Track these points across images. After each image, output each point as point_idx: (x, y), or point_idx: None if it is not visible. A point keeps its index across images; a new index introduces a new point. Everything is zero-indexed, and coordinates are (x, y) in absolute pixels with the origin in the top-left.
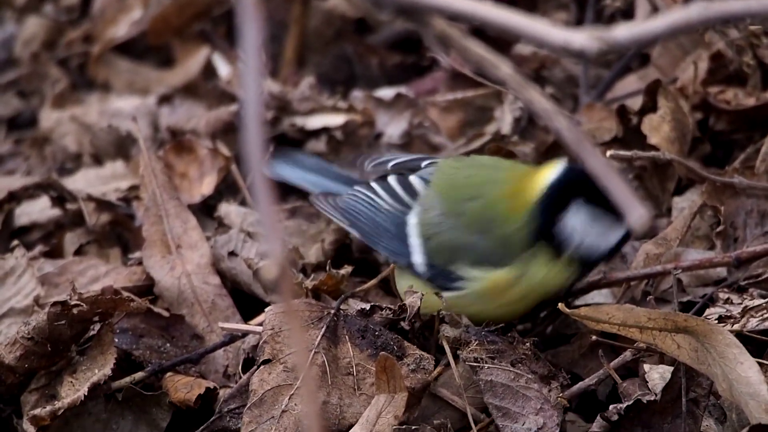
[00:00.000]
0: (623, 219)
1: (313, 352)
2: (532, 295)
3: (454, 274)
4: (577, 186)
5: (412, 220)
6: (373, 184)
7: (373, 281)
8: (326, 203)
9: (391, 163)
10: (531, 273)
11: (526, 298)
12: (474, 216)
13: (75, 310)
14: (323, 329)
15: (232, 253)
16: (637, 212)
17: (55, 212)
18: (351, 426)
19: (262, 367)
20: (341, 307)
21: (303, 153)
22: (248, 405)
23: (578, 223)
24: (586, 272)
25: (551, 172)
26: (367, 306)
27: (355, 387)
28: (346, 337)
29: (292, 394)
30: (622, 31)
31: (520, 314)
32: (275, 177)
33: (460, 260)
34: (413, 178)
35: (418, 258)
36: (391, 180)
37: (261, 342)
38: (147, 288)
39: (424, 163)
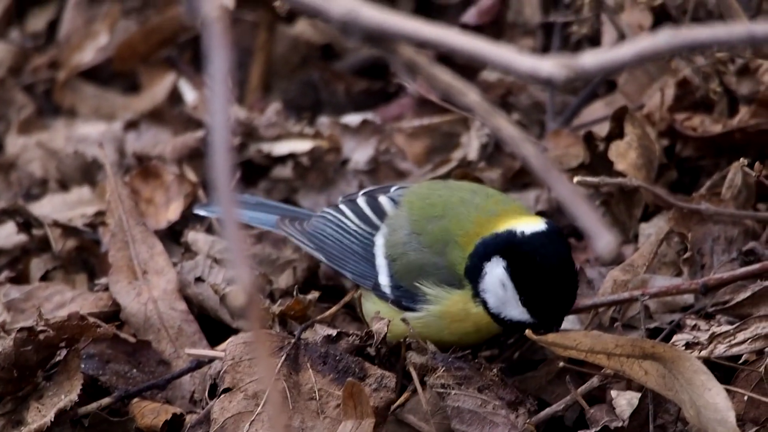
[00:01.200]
0: (538, 315)
1: (273, 379)
2: (482, 330)
3: (419, 293)
4: (514, 247)
5: (379, 241)
6: (342, 206)
7: (337, 307)
8: (292, 228)
9: (362, 191)
10: (471, 306)
11: (478, 332)
12: (435, 236)
13: (41, 336)
14: (283, 357)
15: (198, 279)
16: (603, 239)
17: (21, 238)
18: None
19: (222, 395)
20: (305, 333)
21: (245, 195)
22: None
23: (489, 275)
24: (509, 330)
25: (524, 222)
26: (334, 332)
27: (319, 411)
28: (308, 364)
29: (253, 420)
30: (590, 59)
31: (473, 344)
32: (211, 215)
33: (424, 279)
34: (383, 199)
35: (384, 279)
36: (360, 201)
37: (221, 372)
38: (113, 314)
39: (393, 188)
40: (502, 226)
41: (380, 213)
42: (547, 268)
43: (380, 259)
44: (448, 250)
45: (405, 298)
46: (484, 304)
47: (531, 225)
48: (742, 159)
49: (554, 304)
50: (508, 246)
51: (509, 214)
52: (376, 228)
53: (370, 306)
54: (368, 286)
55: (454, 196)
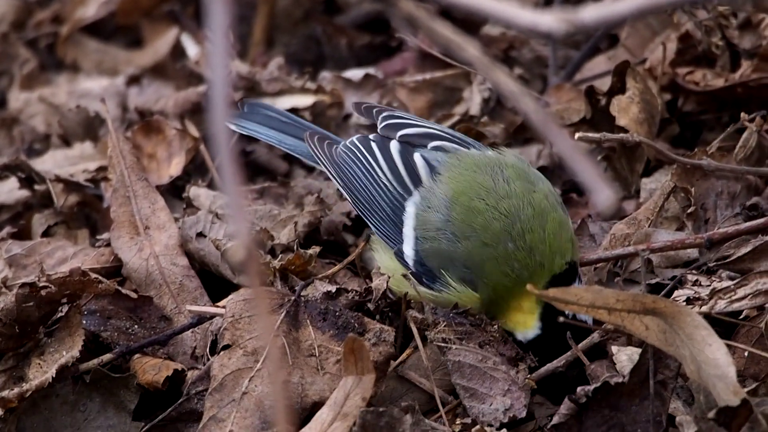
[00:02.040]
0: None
1: (272, 335)
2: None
3: (442, 278)
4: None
5: (410, 209)
6: (373, 146)
7: (340, 266)
8: (320, 148)
9: (399, 132)
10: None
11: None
12: (475, 254)
13: (43, 292)
14: (283, 314)
15: (200, 234)
16: (603, 193)
17: (23, 193)
18: (314, 403)
19: (222, 352)
20: (305, 290)
21: (275, 109)
22: (209, 390)
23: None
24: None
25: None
26: (333, 288)
27: (318, 367)
28: (308, 321)
29: (252, 377)
30: (589, 13)
31: None
32: (243, 131)
33: (451, 270)
34: (417, 158)
35: (408, 250)
36: (394, 150)
37: (221, 329)
38: (115, 269)
39: (431, 144)
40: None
41: (414, 175)
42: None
43: (408, 229)
44: (485, 282)
45: (426, 276)
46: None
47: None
48: (743, 114)
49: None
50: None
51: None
52: (409, 192)
53: (387, 261)
54: (391, 246)
55: (499, 210)
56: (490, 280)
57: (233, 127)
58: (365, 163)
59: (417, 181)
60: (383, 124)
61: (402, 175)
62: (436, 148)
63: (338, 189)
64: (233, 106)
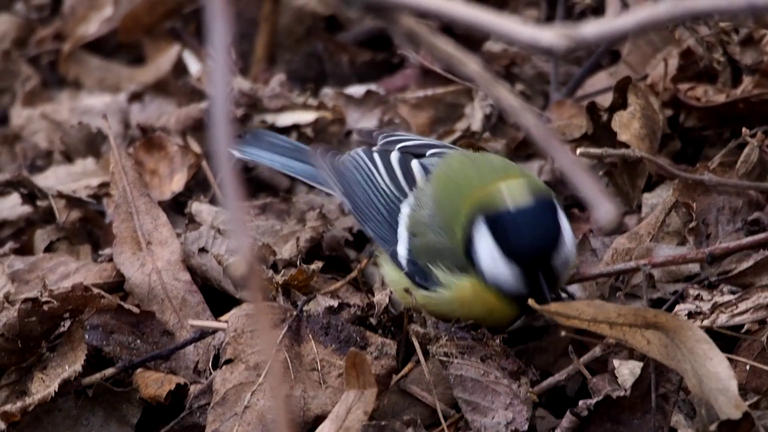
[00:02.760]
0: (517, 257)
1: (275, 350)
2: (495, 314)
3: (432, 274)
4: (492, 205)
5: (405, 210)
6: (375, 155)
7: (342, 282)
8: (324, 159)
9: (399, 144)
10: (481, 290)
11: (492, 316)
12: (447, 216)
13: (45, 307)
14: (285, 329)
15: (202, 250)
16: (604, 208)
17: (26, 209)
18: (316, 417)
19: (224, 366)
20: (307, 305)
21: (278, 136)
22: (212, 404)
23: (480, 247)
24: (524, 308)
25: (507, 182)
26: (335, 303)
27: (320, 381)
28: (310, 335)
29: (254, 391)
30: (590, 29)
31: (494, 326)
32: (246, 158)
33: (439, 262)
34: (415, 164)
35: (402, 250)
36: (393, 159)
37: (223, 343)
38: (117, 284)
39: (429, 151)
40: (487, 191)
41: (410, 180)
42: (522, 216)
43: (402, 229)
44: (455, 230)
45: (419, 275)
46: (484, 277)
47: (513, 183)
48: (745, 129)
49: (533, 251)
50: (486, 206)
51: (500, 181)
52: (405, 195)
53: (388, 270)
54: (387, 249)
55: (471, 177)
56: None
57: (237, 154)
58: (365, 169)
59: (412, 183)
60: (383, 141)
61: (399, 179)
62: (433, 155)
63: (341, 202)
64: (237, 134)
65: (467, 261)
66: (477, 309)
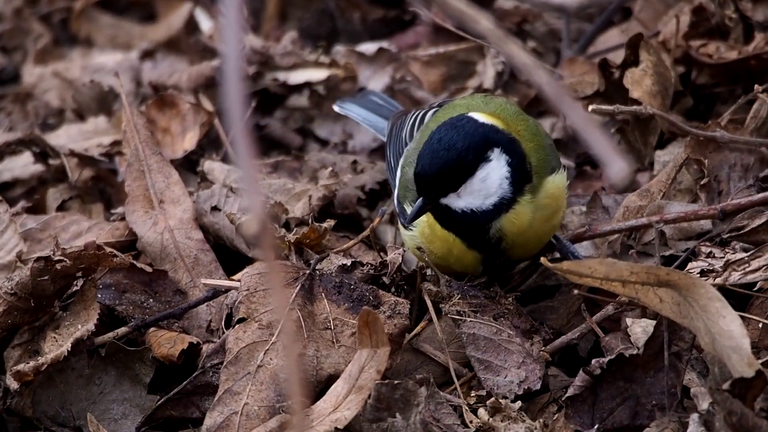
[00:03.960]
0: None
1: (288, 308)
2: (454, 252)
3: (405, 213)
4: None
5: (405, 152)
6: (423, 112)
7: (355, 241)
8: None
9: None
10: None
11: (455, 257)
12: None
13: (58, 266)
14: (298, 288)
15: (214, 208)
16: (616, 165)
17: (38, 168)
18: (329, 376)
19: (237, 325)
20: (319, 263)
21: (380, 95)
22: (224, 363)
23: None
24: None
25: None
26: (348, 262)
27: (334, 340)
28: (323, 294)
29: (267, 350)
30: None
31: (471, 269)
32: (342, 112)
33: (409, 198)
34: (430, 112)
35: (396, 191)
36: (423, 113)
37: (236, 302)
38: (130, 243)
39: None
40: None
41: (419, 126)
42: (430, 139)
43: (398, 173)
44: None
45: (402, 215)
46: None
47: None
48: (757, 86)
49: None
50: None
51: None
52: (407, 143)
53: (400, 225)
54: (392, 196)
55: (464, 108)
56: None
57: (336, 108)
58: (404, 125)
59: (419, 127)
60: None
61: (414, 128)
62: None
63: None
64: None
65: None
66: (437, 246)
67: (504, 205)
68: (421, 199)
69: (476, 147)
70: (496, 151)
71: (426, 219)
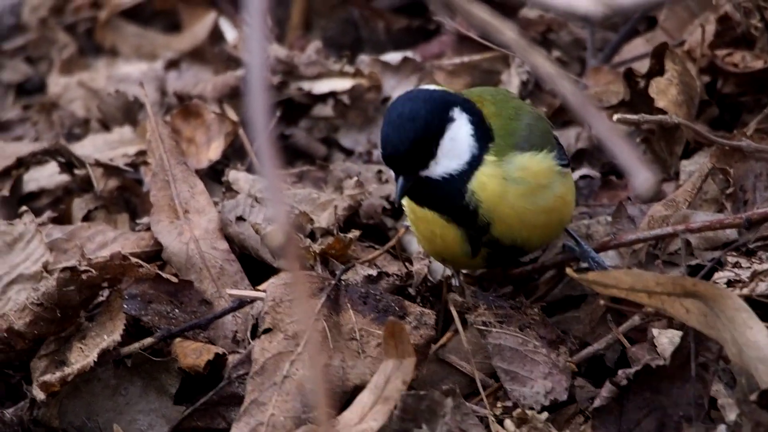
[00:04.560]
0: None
1: (313, 319)
2: (439, 234)
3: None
4: None
5: None
6: None
7: (380, 251)
8: None
9: None
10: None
11: (441, 238)
12: None
13: (84, 276)
14: (324, 298)
15: (240, 218)
16: (642, 175)
17: (63, 178)
18: (355, 387)
19: (263, 336)
20: (345, 273)
21: None
22: (250, 374)
23: None
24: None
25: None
26: (374, 272)
27: (360, 351)
28: (348, 305)
29: (294, 360)
30: None
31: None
32: None
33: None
34: None
35: None
36: None
37: (262, 312)
38: (155, 253)
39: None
40: None
41: None
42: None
43: None
44: None
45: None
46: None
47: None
48: None
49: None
50: None
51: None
52: None
53: None
54: None
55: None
56: None
57: None
58: None
59: None
60: None
61: None
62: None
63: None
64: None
65: None
66: (422, 229)
67: (475, 164)
68: (401, 177)
69: (438, 109)
70: (456, 110)
71: (407, 203)
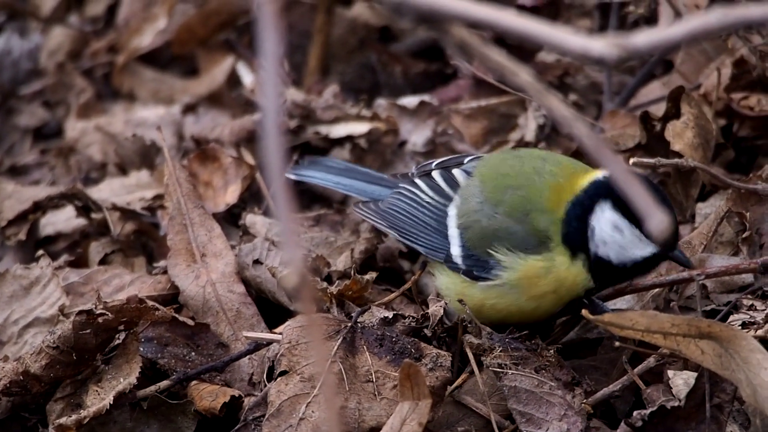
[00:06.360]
0: (654, 237)
1: (329, 361)
2: (561, 289)
3: (491, 261)
4: (611, 191)
5: (452, 212)
6: (417, 180)
7: (397, 293)
8: (367, 209)
9: (435, 162)
10: (557, 266)
11: (556, 292)
12: (514, 205)
13: (100, 319)
14: (340, 341)
15: (256, 262)
16: (657, 218)
17: (80, 222)
18: (371, 429)
19: (279, 378)
20: (361, 315)
21: (333, 159)
22: (266, 416)
23: (599, 227)
24: (606, 281)
25: (597, 172)
26: (390, 314)
27: (375, 392)
28: (364, 347)
29: (309, 402)
30: (641, 38)
31: (549, 312)
32: (301, 179)
33: (497, 246)
34: (456, 171)
35: (455, 249)
36: (435, 174)
37: (278, 355)
38: (172, 297)
39: (467, 159)
40: (584, 182)
41: (453, 184)
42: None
43: (452, 230)
44: (531, 219)
45: (477, 267)
46: (597, 260)
47: (604, 172)
48: None
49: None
50: (603, 190)
51: (581, 173)
52: (450, 199)
53: (444, 279)
54: (440, 258)
55: (525, 166)
56: (534, 219)
57: (292, 176)
58: (409, 196)
59: (456, 187)
60: (420, 168)
61: (443, 187)
62: (471, 161)
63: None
64: (293, 161)
65: (563, 243)
66: (545, 286)
67: None
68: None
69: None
70: None
71: (540, 262)
